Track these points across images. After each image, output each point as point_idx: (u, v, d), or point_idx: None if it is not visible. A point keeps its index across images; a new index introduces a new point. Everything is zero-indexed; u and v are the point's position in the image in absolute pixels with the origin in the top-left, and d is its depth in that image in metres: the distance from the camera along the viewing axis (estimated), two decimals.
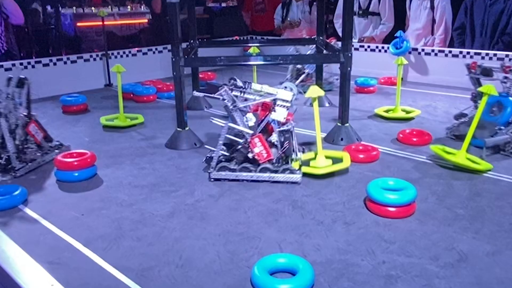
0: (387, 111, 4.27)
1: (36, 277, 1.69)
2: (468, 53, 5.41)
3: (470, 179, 2.85)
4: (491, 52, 5.24)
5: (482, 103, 2.88)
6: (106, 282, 1.87)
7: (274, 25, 7.69)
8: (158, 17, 7.48)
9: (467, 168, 2.91)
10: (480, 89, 2.96)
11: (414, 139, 3.49)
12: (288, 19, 7.21)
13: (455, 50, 5.53)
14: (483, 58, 5.28)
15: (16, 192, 2.58)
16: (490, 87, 2.84)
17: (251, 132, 2.72)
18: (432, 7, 5.79)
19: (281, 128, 2.78)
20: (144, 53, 6.20)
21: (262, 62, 3.53)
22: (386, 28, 6.33)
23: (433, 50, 5.70)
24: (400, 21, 6.53)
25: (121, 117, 4.06)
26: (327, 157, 2.89)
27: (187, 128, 3.55)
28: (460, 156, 2.95)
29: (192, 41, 4.57)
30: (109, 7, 10.04)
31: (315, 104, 2.79)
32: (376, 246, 2.10)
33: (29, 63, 5.24)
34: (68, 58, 5.49)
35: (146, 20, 9.80)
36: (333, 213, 2.43)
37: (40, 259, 1.93)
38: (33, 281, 1.66)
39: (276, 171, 2.75)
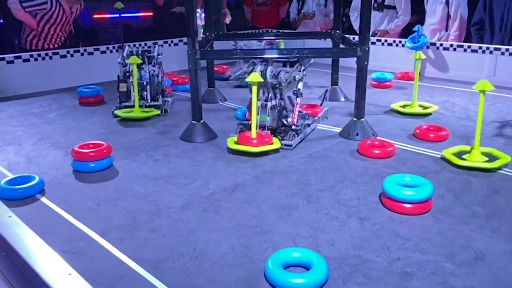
0: (403, 106, 4.22)
1: (54, 266, 1.72)
2: (487, 48, 5.31)
3: (487, 176, 2.80)
4: (511, 48, 5.14)
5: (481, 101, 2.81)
6: (121, 273, 1.89)
7: (279, 20, 7.56)
8: (160, 10, 7.30)
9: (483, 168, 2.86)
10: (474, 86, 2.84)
11: (431, 135, 3.44)
12: (303, 11, 7.14)
13: (474, 45, 5.43)
14: (503, 54, 5.18)
15: (34, 182, 2.61)
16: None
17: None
18: (447, 2, 5.68)
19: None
20: (160, 46, 6.22)
21: (278, 56, 3.51)
22: (401, 21, 6.23)
23: (451, 45, 5.60)
24: (419, 15, 6.43)
25: (136, 109, 4.06)
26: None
27: (202, 121, 3.55)
28: (474, 156, 2.90)
29: (208, 34, 4.56)
30: None
31: (254, 88, 3.02)
32: (391, 243, 2.09)
33: (46, 54, 5.30)
34: (85, 50, 5.54)
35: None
36: (348, 208, 2.42)
37: (57, 248, 1.96)
38: (51, 269, 1.68)
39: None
